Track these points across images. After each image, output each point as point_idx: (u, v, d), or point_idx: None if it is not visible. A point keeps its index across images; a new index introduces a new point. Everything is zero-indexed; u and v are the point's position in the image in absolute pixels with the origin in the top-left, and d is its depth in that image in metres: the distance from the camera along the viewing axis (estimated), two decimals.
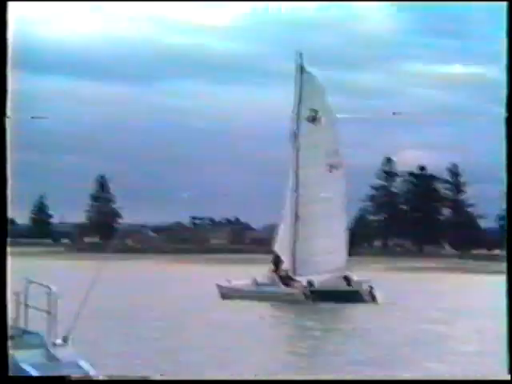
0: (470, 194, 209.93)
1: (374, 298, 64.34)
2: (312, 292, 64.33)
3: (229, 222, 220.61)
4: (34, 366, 18.78)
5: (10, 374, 18.45)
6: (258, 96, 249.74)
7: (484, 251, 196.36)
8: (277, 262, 70.76)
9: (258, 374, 33.16)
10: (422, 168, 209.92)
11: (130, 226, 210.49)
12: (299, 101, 72.06)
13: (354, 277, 67.49)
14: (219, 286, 67.68)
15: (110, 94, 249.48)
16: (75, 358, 19.24)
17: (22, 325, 19.51)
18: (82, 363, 19.08)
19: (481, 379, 12.31)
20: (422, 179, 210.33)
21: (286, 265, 69.83)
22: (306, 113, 71.44)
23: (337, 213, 70.83)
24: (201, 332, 47.42)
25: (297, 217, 70.89)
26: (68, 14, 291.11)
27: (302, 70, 73.26)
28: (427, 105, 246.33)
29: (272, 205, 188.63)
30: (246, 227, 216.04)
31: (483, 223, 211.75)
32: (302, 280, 66.91)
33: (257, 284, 68.09)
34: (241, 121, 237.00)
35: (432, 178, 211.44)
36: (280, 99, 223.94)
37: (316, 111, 71.21)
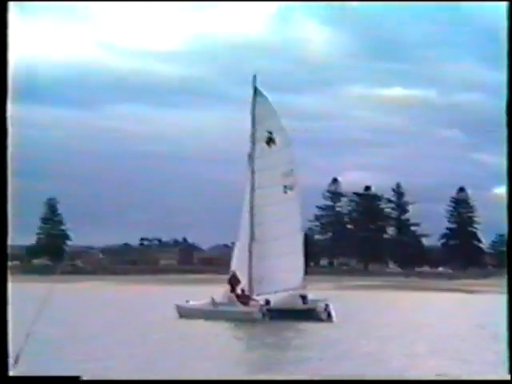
0: (413, 213, 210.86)
1: (329, 316, 63.95)
2: (269, 310, 63.69)
3: (176, 242, 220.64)
4: None
5: None
6: (198, 119, 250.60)
7: (427, 269, 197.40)
8: (233, 281, 69.53)
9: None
10: (367, 188, 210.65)
11: (78, 248, 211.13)
12: (254, 123, 71.46)
13: (310, 295, 67.14)
14: (178, 306, 67.64)
15: (56, 118, 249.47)
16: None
17: None
18: None
19: (481, 379, 11.96)
20: (366, 199, 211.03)
21: (242, 284, 68.87)
22: (262, 134, 70.95)
23: (292, 232, 70.46)
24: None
25: (252, 237, 70.24)
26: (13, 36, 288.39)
27: (256, 92, 72.52)
28: (368, 127, 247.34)
29: (219, 225, 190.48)
30: (194, 248, 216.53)
31: (426, 241, 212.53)
32: (259, 299, 66.20)
33: (214, 303, 67.19)
34: (184, 143, 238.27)
35: (376, 197, 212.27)
36: (225, 121, 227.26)
37: (271, 133, 70.64)
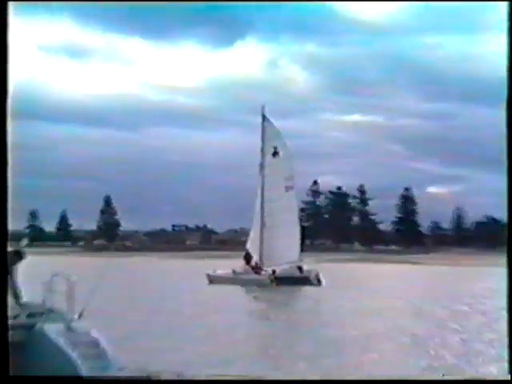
0: (372, 206, 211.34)
1: (319, 282, 66.23)
2: (275, 278, 66.35)
3: (198, 227, 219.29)
4: (57, 334, 18.54)
5: (38, 343, 18.79)
6: (215, 138, 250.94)
7: (382, 247, 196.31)
8: (247, 257, 72.60)
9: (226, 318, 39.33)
10: (339, 188, 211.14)
11: (127, 232, 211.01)
12: (263, 140, 74.57)
13: (305, 266, 69.91)
14: (208, 275, 68.43)
15: (107, 138, 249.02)
16: (87, 328, 19.11)
17: (49, 305, 19.31)
18: (93, 332, 19.07)
19: (481, 379, 9.53)
20: (338, 196, 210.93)
21: (255, 259, 71.55)
22: (269, 149, 73.95)
23: (292, 221, 73.20)
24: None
25: (263, 224, 72.79)
26: (80, 76, 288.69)
27: (264, 118, 75.31)
28: (337, 143, 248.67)
29: (231, 215, 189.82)
30: (212, 232, 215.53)
31: (381, 227, 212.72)
32: (268, 270, 69.06)
33: (235, 273, 69.72)
34: (205, 155, 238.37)
35: (345, 195, 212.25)
36: (233, 140, 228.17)
37: (276, 148, 73.62)
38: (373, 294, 56.56)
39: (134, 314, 38.78)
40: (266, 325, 39.33)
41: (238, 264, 71.84)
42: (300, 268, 69.07)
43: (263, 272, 69.22)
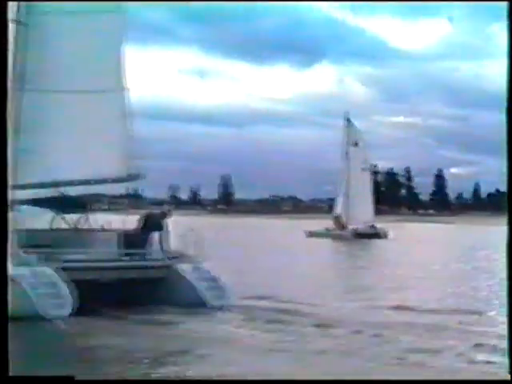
0: (414, 181, 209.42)
1: (386, 236, 65.87)
2: (356, 234, 65.98)
3: (290, 197, 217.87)
4: (188, 271, 18.16)
5: (175, 278, 18.28)
6: (301, 133, 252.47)
7: (422, 211, 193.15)
8: (337, 218, 71.82)
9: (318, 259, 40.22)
10: (391, 169, 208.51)
11: (240, 200, 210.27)
12: (347, 135, 73.81)
13: (377, 225, 69.75)
14: (306, 231, 66.93)
15: (222, 133, 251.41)
16: (210, 268, 18.65)
17: (183, 251, 18.92)
18: (214, 270, 18.65)
19: (481, 379, 9.74)
20: (390, 175, 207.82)
21: (342, 220, 70.89)
22: (351, 141, 73.41)
23: (367, 192, 73.47)
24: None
25: (347, 195, 72.15)
26: (204, 89, 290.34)
27: (348, 120, 74.74)
28: (387, 137, 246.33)
29: (314, 188, 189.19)
30: (301, 200, 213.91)
31: (421, 197, 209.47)
32: (350, 227, 68.83)
33: (327, 229, 69.31)
34: (297, 149, 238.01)
35: (395, 174, 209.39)
36: (314, 135, 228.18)
37: (356, 140, 73.39)
38: (424, 244, 58.24)
39: (248, 256, 38.55)
40: (350, 260, 43.02)
41: (320, 224, 70.38)
42: (373, 226, 69.03)
43: (347, 229, 68.61)
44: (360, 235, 64.80)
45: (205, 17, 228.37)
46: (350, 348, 13.54)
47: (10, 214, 17.42)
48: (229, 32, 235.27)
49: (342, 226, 69.80)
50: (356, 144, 73.12)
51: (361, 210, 70.34)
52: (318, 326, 15.83)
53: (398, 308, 18.87)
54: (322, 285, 25.49)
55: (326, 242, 58.77)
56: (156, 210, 20.12)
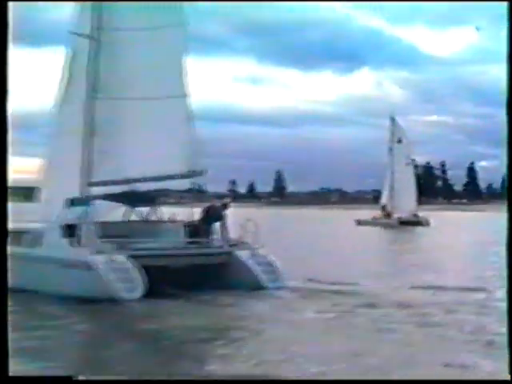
0: (449, 174, 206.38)
1: (428, 224, 63.96)
2: (400, 222, 64.27)
3: (337, 190, 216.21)
4: (247, 257, 17.86)
5: (235, 263, 17.84)
6: (345, 131, 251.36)
7: (456, 200, 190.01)
8: (383, 208, 70.08)
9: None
10: (428, 163, 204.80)
11: (292, 193, 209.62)
12: (392, 133, 71.53)
13: (420, 214, 67.81)
14: (356, 220, 66.65)
15: (276, 133, 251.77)
16: (267, 254, 18.12)
17: (242, 239, 18.48)
18: (269, 256, 18.10)
19: (481, 379, 8.78)
20: (428, 168, 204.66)
21: (388, 209, 69.22)
22: (396, 138, 71.13)
23: (411, 185, 71.01)
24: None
25: (392, 187, 70.51)
26: (257, 95, 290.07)
27: (392, 119, 72.49)
28: (422, 134, 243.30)
29: (359, 181, 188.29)
30: (347, 192, 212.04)
31: (455, 187, 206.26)
32: (395, 216, 67.02)
33: (374, 218, 67.72)
34: (338, 143, 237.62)
35: (432, 167, 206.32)
36: (357, 133, 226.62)
37: (400, 137, 71.06)
38: (462, 229, 57.33)
39: (302, 243, 38.22)
40: (395, 245, 41.92)
41: (364, 214, 69.49)
42: (415, 215, 67.19)
43: (392, 218, 66.96)
44: (404, 223, 63.32)
45: (258, 29, 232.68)
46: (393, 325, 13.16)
47: (84, 209, 17.43)
48: (279, 43, 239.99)
49: (388, 215, 68.30)
50: (400, 141, 71.29)
51: (405, 201, 68.48)
52: (370, 305, 15.32)
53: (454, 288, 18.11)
54: (373, 267, 24.79)
55: (374, 230, 57.66)
56: (217, 203, 19.76)
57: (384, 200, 72.08)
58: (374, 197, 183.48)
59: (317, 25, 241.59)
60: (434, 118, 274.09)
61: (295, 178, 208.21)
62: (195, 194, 19.20)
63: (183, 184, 18.74)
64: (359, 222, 65.63)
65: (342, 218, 77.08)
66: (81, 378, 7.14)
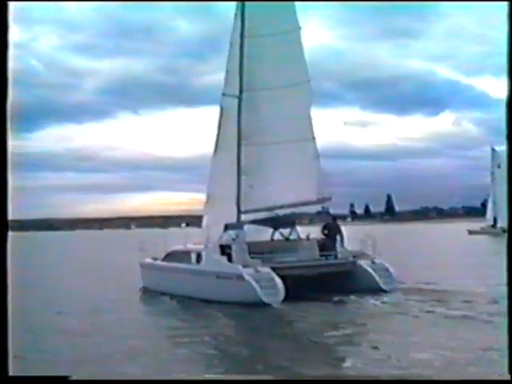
0: None
1: None
2: (503, 230, 59.86)
3: (435, 208, 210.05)
4: (368, 265, 18.35)
5: (358, 271, 18.30)
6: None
7: None
8: (494, 221, 67.47)
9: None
10: None
11: (400, 211, 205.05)
12: (493, 159, 68.85)
13: None
14: (468, 230, 65.35)
15: (378, 165, 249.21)
16: (383, 262, 18.58)
17: (363, 250, 19.21)
18: (387, 264, 18.49)
19: (481, 379, 7.60)
20: None
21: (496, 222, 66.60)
22: (496, 165, 67.69)
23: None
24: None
25: (495, 203, 67.71)
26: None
27: (493, 149, 70.34)
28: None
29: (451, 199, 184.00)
30: (442, 209, 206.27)
31: None
32: (499, 226, 63.89)
33: (482, 228, 66.76)
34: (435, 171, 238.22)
35: None
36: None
37: (499, 164, 65.42)
38: None
39: (414, 252, 38.05)
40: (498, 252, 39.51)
41: (459, 227, 69.14)
42: None
43: (497, 227, 64.65)
44: (505, 231, 61.82)
45: (362, 84, 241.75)
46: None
47: (237, 232, 18.76)
48: (379, 94, 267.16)
49: (492, 226, 67.59)
50: (499, 166, 68.39)
51: (505, 213, 65.12)
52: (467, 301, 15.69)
53: None
54: (478, 270, 24.66)
55: (482, 238, 57.12)
56: (329, 220, 20.21)
57: (489, 214, 71.39)
58: (465, 212, 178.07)
59: (407, 78, 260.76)
60: (503, 147, 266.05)
61: (401, 199, 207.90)
62: (323, 217, 20.19)
63: (315, 208, 19.75)
64: (470, 232, 65.68)
65: (437, 229, 75.36)
66: (76, 378, 6.26)
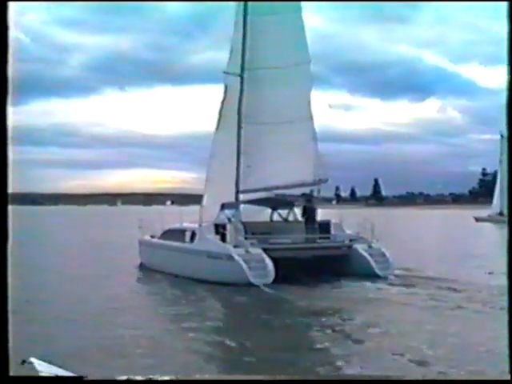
0: None
1: None
2: None
3: (421, 194, 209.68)
4: (363, 250, 18.14)
5: (354, 255, 18.17)
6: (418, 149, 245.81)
7: None
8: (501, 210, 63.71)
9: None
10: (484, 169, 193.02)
11: (384, 196, 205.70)
12: (501, 147, 64.47)
13: None
14: (475, 217, 64.29)
15: (362, 150, 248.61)
16: (380, 246, 18.42)
17: (360, 234, 18.95)
18: (383, 248, 18.30)
19: (481, 379, 4.85)
20: None
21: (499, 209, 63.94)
22: (503, 151, 63.11)
23: None
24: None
25: (501, 190, 63.87)
26: (346, 119, 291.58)
27: (501, 135, 68.66)
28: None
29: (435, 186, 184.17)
30: (429, 195, 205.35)
31: None
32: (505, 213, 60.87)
33: (489, 216, 64.82)
34: (419, 157, 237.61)
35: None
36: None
37: None
38: None
39: (410, 236, 38.30)
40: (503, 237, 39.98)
41: (445, 213, 68.02)
42: None
43: (503, 215, 61.04)
44: None
45: (349, 69, 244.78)
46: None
47: (232, 211, 18.52)
48: (366, 79, 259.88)
49: (500, 214, 64.73)
50: None
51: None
52: (455, 290, 15.53)
53: None
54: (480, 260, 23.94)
55: (488, 225, 55.99)
56: (306, 204, 19.77)
57: (495, 201, 68.66)
58: (453, 199, 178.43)
59: (394, 63, 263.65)
60: (488, 136, 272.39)
61: (387, 184, 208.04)
62: (301, 199, 19.45)
63: (302, 190, 19.38)
64: (477, 219, 64.62)
65: (429, 215, 74.36)
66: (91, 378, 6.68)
